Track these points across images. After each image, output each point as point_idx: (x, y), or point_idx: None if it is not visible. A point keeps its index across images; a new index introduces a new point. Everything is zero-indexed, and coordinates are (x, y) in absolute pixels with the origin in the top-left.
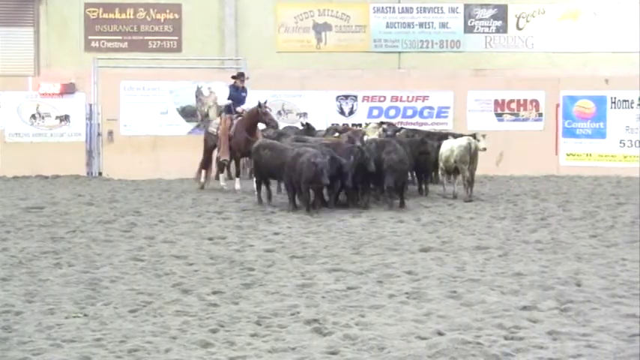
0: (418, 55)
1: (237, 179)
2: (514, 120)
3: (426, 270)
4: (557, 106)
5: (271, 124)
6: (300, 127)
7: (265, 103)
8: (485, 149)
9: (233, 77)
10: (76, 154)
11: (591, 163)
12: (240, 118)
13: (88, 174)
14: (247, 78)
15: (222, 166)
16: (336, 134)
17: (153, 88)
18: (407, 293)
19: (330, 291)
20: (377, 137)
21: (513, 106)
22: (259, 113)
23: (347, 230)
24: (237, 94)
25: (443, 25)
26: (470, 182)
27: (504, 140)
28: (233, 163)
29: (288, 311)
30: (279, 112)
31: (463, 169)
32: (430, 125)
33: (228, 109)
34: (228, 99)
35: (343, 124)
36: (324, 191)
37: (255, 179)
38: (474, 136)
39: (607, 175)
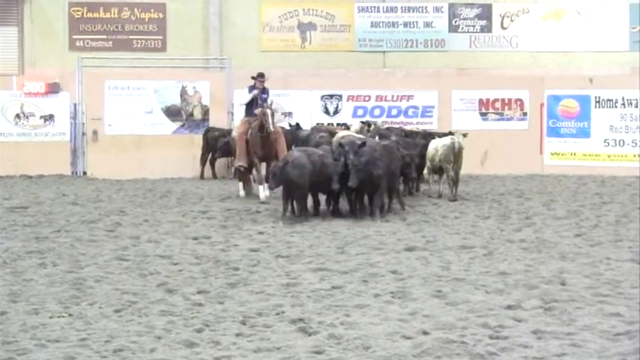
0: (403, 54)
1: (261, 187)
2: (498, 119)
3: (411, 269)
4: (542, 105)
5: (266, 125)
6: (287, 127)
7: (271, 104)
8: (463, 148)
9: (252, 78)
10: (61, 154)
11: (575, 163)
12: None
13: (73, 173)
14: (267, 78)
15: (237, 173)
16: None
17: (137, 87)
18: (392, 292)
19: (315, 290)
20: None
21: (498, 105)
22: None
23: (331, 229)
24: (254, 93)
25: (427, 25)
26: (455, 181)
27: (489, 139)
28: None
29: (273, 311)
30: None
31: (447, 169)
32: (414, 124)
33: (248, 112)
34: (249, 102)
35: (328, 124)
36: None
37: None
38: (450, 134)
39: (591, 174)
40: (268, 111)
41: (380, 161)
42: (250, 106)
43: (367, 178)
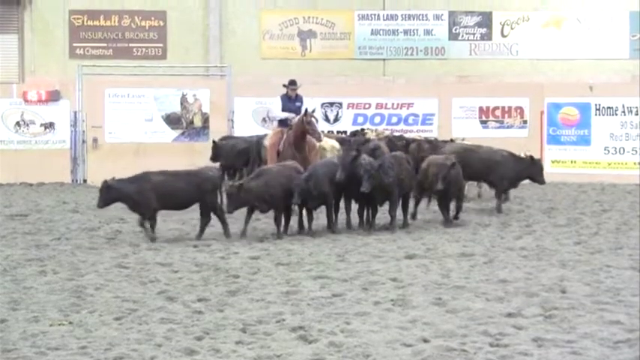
0: (403, 62)
1: None
2: (499, 127)
3: (411, 277)
4: (542, 113)
5: (314, 135)
6: None
7: (313, 111)
8: None
9: (284, 86)
10: (61, 162)
11: (576, 170)
12: (290, 131)
13: (73, 181)
14: (300, 85)
15: None
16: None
17: (138, 95)
18: (392, 300)
19: (315, 298)
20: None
21: (498, 113)
22: (303, 123)
23: (332, 237)
24: (291, 104)
25: (427, 32)
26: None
27: None
28: None
29: (273, 318)
30: (263, 119)
31: None
32: (415, 132)
33: (282, 122)
34: (283, 111)
35: (328, 132)
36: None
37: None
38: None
39: (591, 182)
40: (313, 119)
41: (391, 170)
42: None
43: (377, 185)
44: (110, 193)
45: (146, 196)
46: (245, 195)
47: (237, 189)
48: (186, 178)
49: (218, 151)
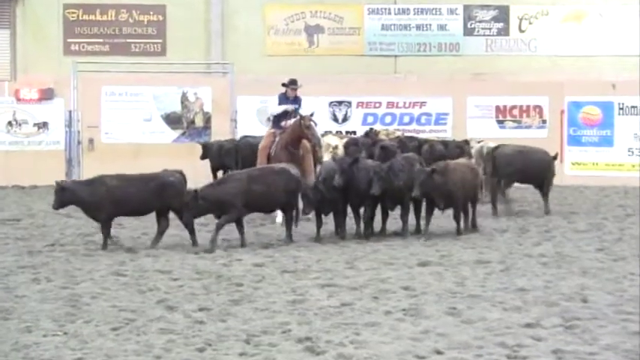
0: (415, 58)
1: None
2: (516, 127)
3: (424, 285)
4: (562, 112)
5: (312, 140)
6: None
7: (311, 115)
8: None
9: (283, 85)
10: (55, 164)
11: (598, 173)
12: (283, 134)
13: None
14: (300, 86)
15: None
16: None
17: (136, 93)
18: (404, 310)
19: (322, 307)
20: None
21: (515, 112)
22: (301, 127)
23: (340, 243)
24: (288, 104)
25: (441, 28)
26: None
27: None
28: None
29: (278, 329)
30: (268, 119)
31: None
32: (428, 132)
33: (276, 122)
34: (279, 114)
35: (336, 132)
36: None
37: None
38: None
39: (614, 185)
40: (312, 124)
41: (402, 172)
42: (279, 117)
43: (388, 188)
44: (64, 194)
45: (99, 200)
46: (202, 202)
47: (193, 196)
48: (142, 182)
49: (206, 151)
